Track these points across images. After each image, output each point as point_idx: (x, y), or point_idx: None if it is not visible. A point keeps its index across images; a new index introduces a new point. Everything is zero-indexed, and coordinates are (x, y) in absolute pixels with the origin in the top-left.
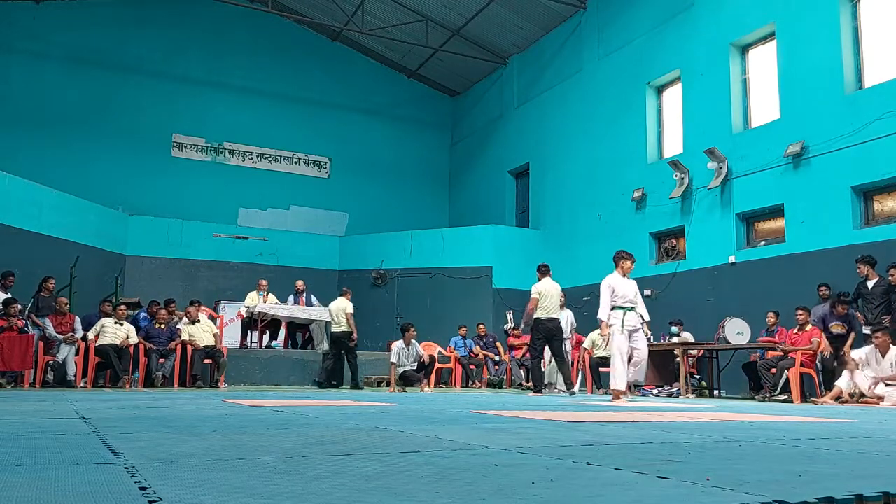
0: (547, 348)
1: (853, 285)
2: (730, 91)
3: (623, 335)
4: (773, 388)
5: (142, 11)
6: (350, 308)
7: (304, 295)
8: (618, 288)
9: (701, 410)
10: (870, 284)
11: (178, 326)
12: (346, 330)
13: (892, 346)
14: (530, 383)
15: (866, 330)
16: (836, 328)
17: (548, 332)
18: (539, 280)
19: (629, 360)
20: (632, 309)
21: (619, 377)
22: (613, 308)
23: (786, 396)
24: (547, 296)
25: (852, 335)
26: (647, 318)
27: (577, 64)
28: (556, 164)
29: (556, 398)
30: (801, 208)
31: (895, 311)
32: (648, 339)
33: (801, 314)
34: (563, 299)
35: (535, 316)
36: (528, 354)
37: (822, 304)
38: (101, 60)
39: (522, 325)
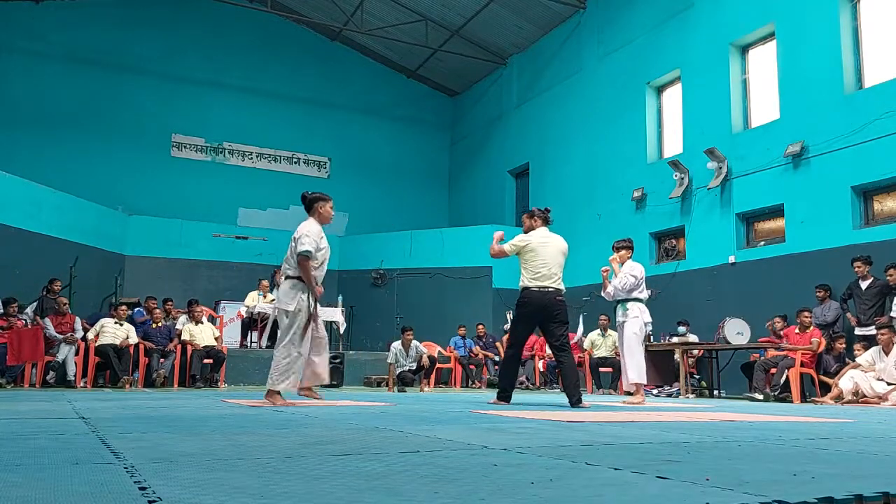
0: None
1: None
2: (730, 91)
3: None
4: (772, 388)
5: (142, 11)
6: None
7: None
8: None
9: (701, 410)
10: (863, 285)
11: (178, 326)
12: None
13: (893, 342)
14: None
15: (859, 331)
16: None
17: (538, 309)
18: (534, 228)
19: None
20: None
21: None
22: None
23: (774, 395)
24: (537, 253)
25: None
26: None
27: (576, 64)
28: (556, 164)
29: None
30: (801, 208)
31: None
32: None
33: (806, 315)
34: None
35: (522, 284)
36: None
37: (820, 305)
38: (101, 60)
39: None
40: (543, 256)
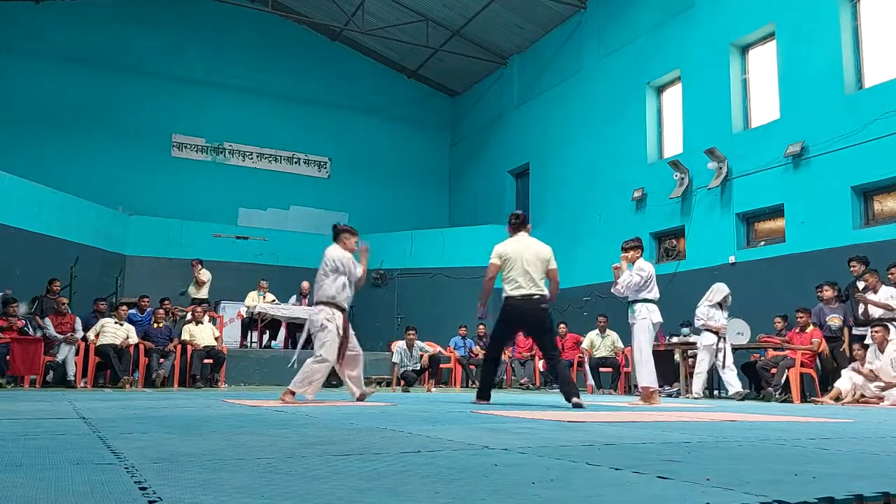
0: None
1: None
2: (730, 91)
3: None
4: (773, 387)
5: (142, 11)
6: None
7: (308, 297)
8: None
9: (701, 410)
10: (860, 285)
11: (188, 317)
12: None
13: (887, 340)
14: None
15: (857, 331)
16: (834, 321)
17: (521, 318)
18: (511, 236)
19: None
20: None
21: None
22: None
23: (777, 396)
24: (515, 261)
25: (846, 330)
26: None
27: (577, 64)
28: (556, 164)
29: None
30: (801, 208)
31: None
32: None
33: (801, 316)
34: (549, 266)
35: (505, 293)
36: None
37: (821, 305)
38: (101, 60)
39: (479, 308)
40: (516, 263)
